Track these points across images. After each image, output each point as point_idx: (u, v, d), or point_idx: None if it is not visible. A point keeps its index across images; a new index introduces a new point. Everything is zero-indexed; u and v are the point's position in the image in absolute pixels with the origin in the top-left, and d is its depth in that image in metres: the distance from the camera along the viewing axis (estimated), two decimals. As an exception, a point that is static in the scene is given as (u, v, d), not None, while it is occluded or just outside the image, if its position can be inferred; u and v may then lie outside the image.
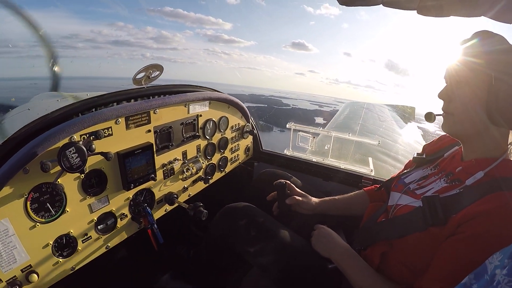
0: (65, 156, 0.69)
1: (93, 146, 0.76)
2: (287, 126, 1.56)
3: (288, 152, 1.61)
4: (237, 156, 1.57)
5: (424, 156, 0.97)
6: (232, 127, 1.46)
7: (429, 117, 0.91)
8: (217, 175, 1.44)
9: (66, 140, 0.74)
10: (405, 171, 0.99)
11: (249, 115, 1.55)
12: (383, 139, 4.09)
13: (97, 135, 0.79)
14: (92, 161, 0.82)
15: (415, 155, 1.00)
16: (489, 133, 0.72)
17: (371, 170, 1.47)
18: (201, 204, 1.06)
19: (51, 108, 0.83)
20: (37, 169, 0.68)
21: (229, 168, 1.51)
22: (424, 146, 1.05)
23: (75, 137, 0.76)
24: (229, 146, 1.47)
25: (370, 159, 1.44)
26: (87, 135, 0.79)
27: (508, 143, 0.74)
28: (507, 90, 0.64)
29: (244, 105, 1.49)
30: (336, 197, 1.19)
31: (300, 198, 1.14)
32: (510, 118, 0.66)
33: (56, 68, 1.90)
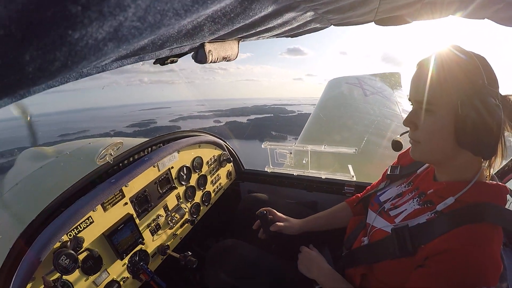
0: (59, 265, 0.90)
1: (80, 243, 0.96)
2: (263, 146, 1.67)
3: (268, 169, 1.75)
4: (220, 185, 1.74)
5: (398, 168, 1.07)
6: (207, 162, 1.60)
7: (396, 146, 0.94)
8: (204, 210, 1.63)
9: (57, 245, 0.94)
10: (381, 186, 1.10)
11: (222, 144, 1.66)
12: (373, 119, 4.00)
13: (78, 242, 0.96)
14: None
15: (388, 172, 1.09)
16: (460, 157, 0.74)
17: (352, 176, 1.60)
18: (190, 254, 1.28)
19: (36, 178, 0.96)
20: (40, 272, 0.89)
21: (214, 199, 1.69)
22: (399, 155, 1.14)
23: (63, 238, 0.96)
24: (209, 179, 1.63)
25: (350, 166, 1.55)
26: (74, 233, 0.98)
27: (481, 163, 0.76)
28: (475, 116, 0.64)
29: (215, 137, 1.60)
30: (319, 214, 1.34)
31: (282, 224, 1.29)
32: (481, 146, 0.66)
33: (30, 120, 2.04)
